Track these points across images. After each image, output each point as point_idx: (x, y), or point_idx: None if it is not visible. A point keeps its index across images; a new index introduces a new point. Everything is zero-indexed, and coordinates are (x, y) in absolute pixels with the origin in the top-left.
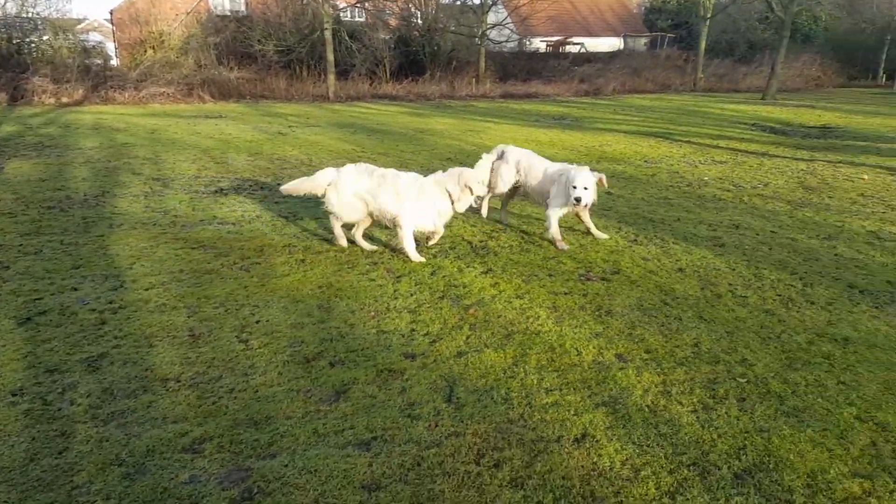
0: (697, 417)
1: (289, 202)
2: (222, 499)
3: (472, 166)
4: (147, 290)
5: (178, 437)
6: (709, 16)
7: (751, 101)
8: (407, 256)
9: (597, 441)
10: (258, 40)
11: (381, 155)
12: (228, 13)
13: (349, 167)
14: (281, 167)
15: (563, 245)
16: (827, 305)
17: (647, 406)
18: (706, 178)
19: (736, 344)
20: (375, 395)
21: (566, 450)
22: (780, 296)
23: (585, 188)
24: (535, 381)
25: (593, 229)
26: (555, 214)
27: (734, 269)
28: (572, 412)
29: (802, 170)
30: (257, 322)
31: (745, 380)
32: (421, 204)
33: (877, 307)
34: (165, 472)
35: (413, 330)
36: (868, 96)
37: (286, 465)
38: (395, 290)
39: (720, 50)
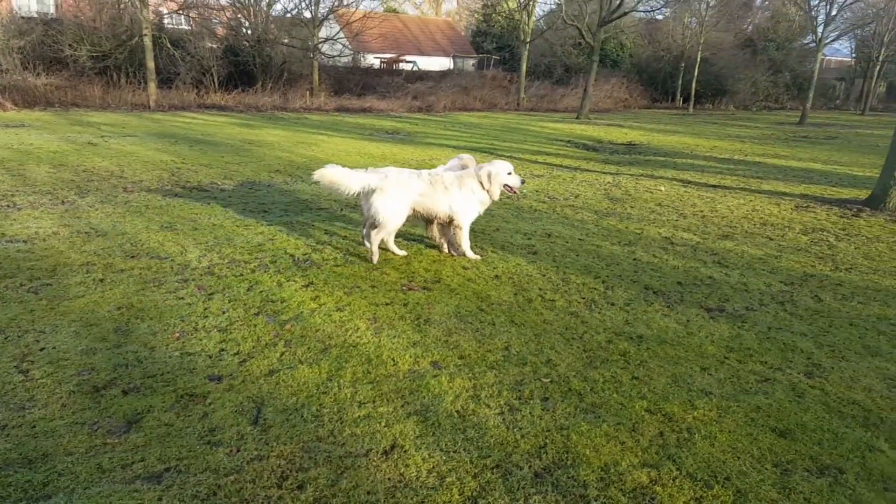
0: (503, 419)
1: (96, 216)
2: None
3: (301, 178)
4: None
5: None
6: (528, 40)
7: (567, 120)
8: (463, 254)
9: (405, 451)
10: (69, 45)
11: (204, 167)
12: (35, 15)
13: (391, 170)
14: (87, 179)
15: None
16: (625, 306)
17: (457, 411)
18: (525, 191)
19: (542, 346)
20: (172, 423)
21: (374, 463)
22: (584, 298)
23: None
24: (349, 395)
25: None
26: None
27: (545, 275)
28: (383, 423)
29: (609, 182)
30: (42, 350)
31: (549, 379)
32: (468, 197)
33: (668, 306)
34: None
35: (222, 350)
36: (667, 116)
37: None
38: (205, 309)
39: (540, 72)
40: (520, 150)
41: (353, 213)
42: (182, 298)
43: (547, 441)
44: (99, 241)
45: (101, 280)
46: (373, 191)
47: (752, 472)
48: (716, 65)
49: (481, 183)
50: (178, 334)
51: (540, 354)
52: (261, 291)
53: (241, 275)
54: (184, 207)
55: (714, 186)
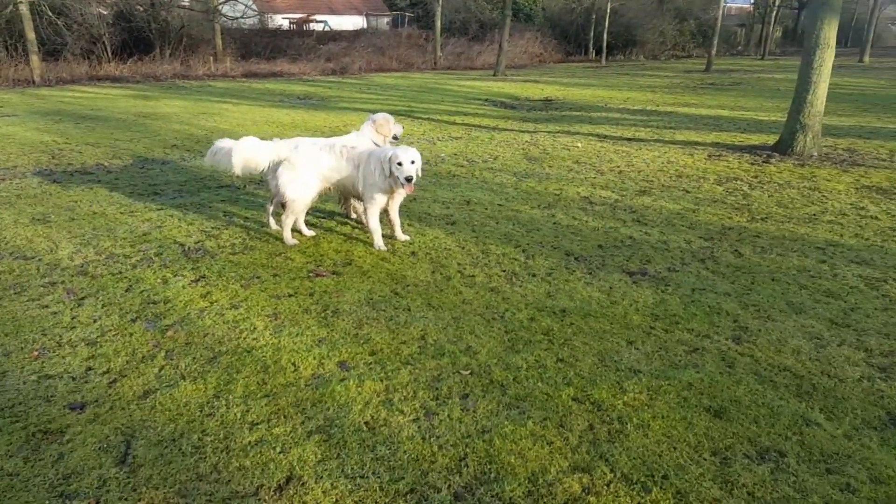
0: (419, 427)
1: None
2: None
3: (201, 153)
4: None
5: None
6: None
7: (484, 78)
8: (371, 239)
9: (303, 484)
10: None
11: (90, 146)
12: None
13: (303, 141)
14: None
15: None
16: (547, 276)
17: (366, 424)
18: (443, 155)
19: (462, 331)
20: (18, 472)
21: (265, 503)
22: (504, 271)
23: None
24: (239, 415)
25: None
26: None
27: (464, 248)
28: (278, 449)
29: (527, 141)
30: None
31: (469, 371)
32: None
33: (590, 272)
34: None
35: (89, 369)
36: (581, 70)
37: None
38: (73, 318)
39: (455, 29)
40: (437, 112)
41: (258, 190)
42: (46, 307)
43: (468, 451)
44: None
45: None
46: (279, 163)
47: (690, 465)
48: (625, 16)
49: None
50: (36, 353)
51: (459, 342)
52: (141, 291)
53: (120, 272)
54: (62, 195)
55: (629, 140)
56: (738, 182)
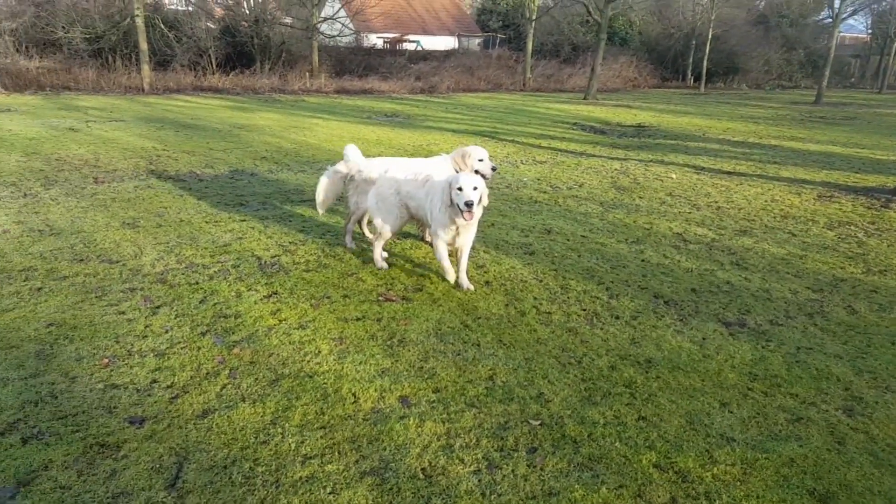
0: (479, 481)
1: (56, 211)
2: None
3: (288, 166)
4: None
5: None
6: (534, 17)
7: (574, 101)
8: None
9: None
10: (62, 27)
11: (186, 154)
12: None
13: (393, 165)
14: (58, 169)
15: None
16: (632, 320)
17: (423, 470)
18: (525, 179)
19: (534, 374)
20: (71, 486)
21: None
22: (584, 310)
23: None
24: (294, 446)
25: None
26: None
27: (541, 281)
28: (329, 490)
29: (616, 169)
30: None
31: (539, 421)
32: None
33: (681, 320)
34: None
35: (153, 382)
36: (678, 96)
37: None
38: (146, 327)
39: (547, 51)
40: (523, 134)
41: (338, 207)
42: (123, 313)
43: None
44: (49, 242)
45: (39, 289)
46: (365, 181)
47: None
48: (727, 42)
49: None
50: (106, 360)
51: (530, 386)
52: (214, 304)
53: (197, 283)
54: (153, 200)
55: (729, 173)
56: (852, 227)
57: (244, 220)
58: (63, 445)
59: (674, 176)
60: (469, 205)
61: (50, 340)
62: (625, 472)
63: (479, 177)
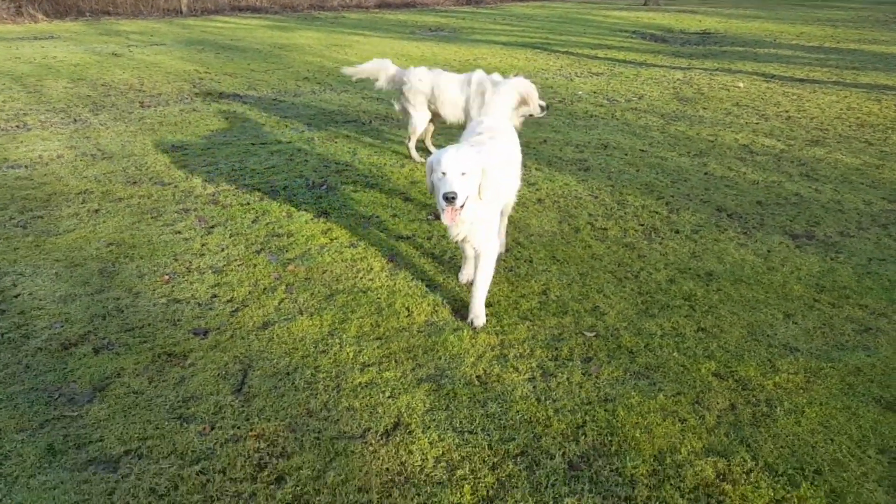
0: (534, 388)
1: (106, 136)
2: None
3: (331, 86)
4: None
5: None
6: None
7: (633, 8)
8: None
9: (410, 432)
10: None
11: (228, 76)
12: None
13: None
14: (104, 94)
15: None
16: (692, 234)
17: (478, 378)
18: (580, 93)
19: (588, 289)
20: (143, 391)
21: (371, 448)
22: (642, 225)
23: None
24: (352, 355)
25: None
26: None
27: (597, 197)
28: (388, 394)
29: (679, 79)
30: (16, 296)
31: (594, 333)
32: None
33: (745, 233)
34: None
35: (214, 297)
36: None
37: None
38: (202, 245)
39: None
40: (577, 45)
41: (383, 126)
42: (179, 233)
43: (587, 418)
44: (103, 165)
45: (97, 211)
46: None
47: (850, 461)
48: None
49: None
50: (167, 277)
51: (584, 300)
52: (267, 223)
53: (248, 203)
54: (199, 123)
55: (801, 81)
56: None
57: (290, 142)
58: (132, 355)
59: (741, 85)
60: (451, 199)
61: (111, 259)
62: (683, 380)
63: (474, 153)
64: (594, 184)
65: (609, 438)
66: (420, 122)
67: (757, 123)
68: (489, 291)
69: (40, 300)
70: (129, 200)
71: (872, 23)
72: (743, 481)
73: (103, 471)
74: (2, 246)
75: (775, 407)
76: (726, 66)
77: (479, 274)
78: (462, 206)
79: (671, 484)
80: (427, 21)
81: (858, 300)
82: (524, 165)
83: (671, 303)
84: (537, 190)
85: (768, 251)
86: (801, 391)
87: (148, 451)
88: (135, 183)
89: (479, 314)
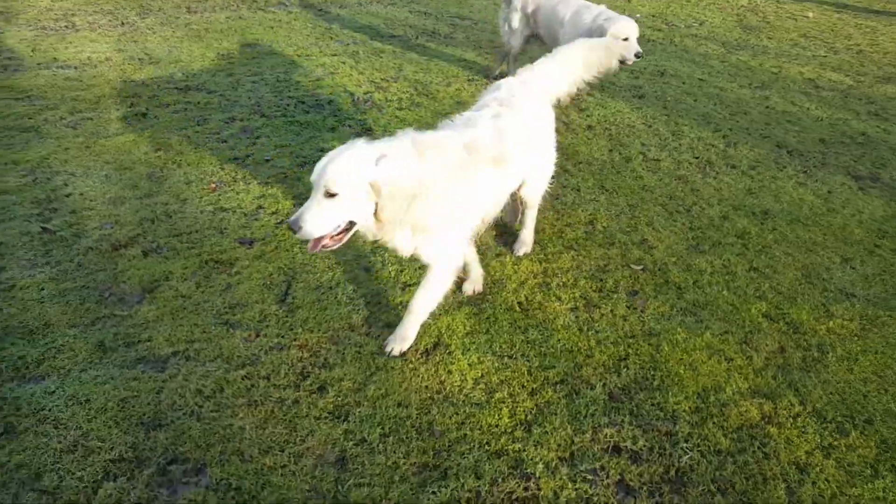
0: (577, 318)
1: (153, 40)
2: None
3: (380, 1)
4: None
5: None
6: None
7: None
8: None
9: (450, 352)
10: None
11: None
12: None
13: None
14: None
15: None
16: (749, 170)
17: (519, 304)
18: (638, 16)
19: (637, 221)
20: (191, 295)
21: (411, 365)
22: (697, 158)
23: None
24: (393, 274)
25: None
26: None
27: (651, 126)
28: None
29: (743, 6)
30: (68, 196)
31: (641, 267)
32: None
33: (805, 171)
34: None
35: (259, 208)
36: None
37: (52, 393)
38: (248, 156)
39: None
40: None
41: (429, 43)
42: (225, 141)
43: (630, 351)
44: (150, 70)
45: (144, 115)
46: None
47: None
48: None
49: None
50: (214, 185)
51: (633, 232)
52: (310, 137)
53: (293, 116)
54: (245, 32)
55: (877, 12)
56: None
57: (335, 55)
58: (180, 260)
59: (810, 14)
60: (292, 229)
61: (159, 164)
62: (731, 319)
63: (365, 161)
64: (648, 112)
65: (652, 373)
66: (515, 42)
67: (825, 56)
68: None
69: (91, 201)
70: (176, 106)
71: None
72: (789, 425)
73: (151, 370)
74: (53, 145)
75: (827, 353)
76: None
77: (420, 293)
78: (345, 232)
79: (714, 422)
80: None
81: None
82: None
83: (723, 240)
84: (588, 116)
85: (829, 192)
86: (856, 338)
87: (195, 353)
88: (181, 90)
89: (404, 337)
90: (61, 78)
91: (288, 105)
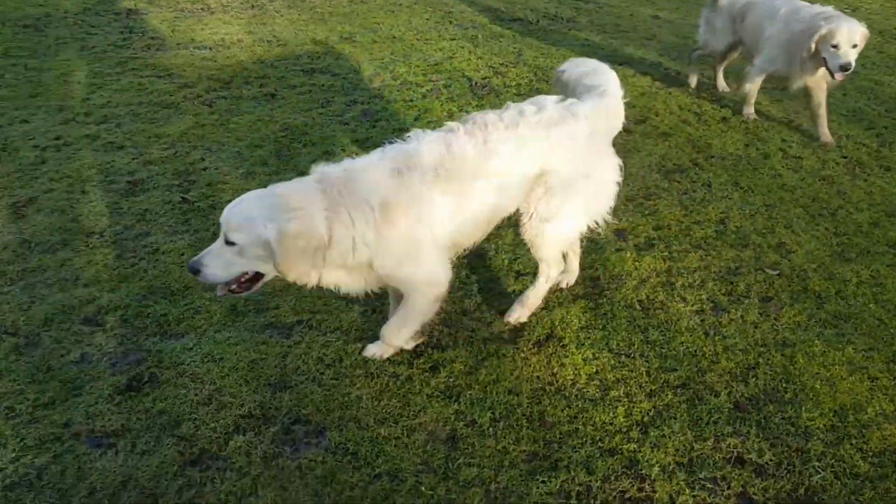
0: (702, 321)
1: (281, 23)
2: (107, 385)
3: None
4: (98, 124)
5: (83, 304)
6: None
7: None
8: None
9: (563, 345)
10: None
11: None
12: None
13: None
14: None
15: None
16: (821, 132)
17: (640, 302)
18: None
19: (774, 222)
20: None
21: (523, 355)
22: (846, 157)
23: (854, 46)
24: (506, 262)
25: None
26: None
27: (792, 121)
28: (542, 305)
29: None
30: (204, 169)
31: (777, 272)
32: None
33: None
34: (58, 348)
35: None
36: None
37: (189, 349)
38: (367, 138)
39: None
40: None
41: (551, 27)
42: (347, 124)
43: (760, 360)
44: (278, 52)
45: (272, 95)
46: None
47: None
48: None
49: None
50: None
51: (769, 234)
52: (428, 122)
53: (411, 100)
54: (367, 15)
55: None
56: None
57: (454, 39)
58: None
59: None
60: (192, 271)
61: (286, 143)
62: (877, 334)
63: (271, 209)
64: (790, 105)
65: (784, 385)
66: (717, 45)
67: None
68: (661, 214)
69: (225, 175)
70: (302, 88)
71: None
72: None
73: (278, 335)
74: (191, 121)
75: None
76: None
77: (392, 321)
78: (253, 281)
79: (852, 443)
80: None
81: None
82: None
83: (872, 248)
84: (723, 107)
85: None
86: None
87: (317, 323)
88: (306, 72)
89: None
90: (198, 58)
91: (407, 89)
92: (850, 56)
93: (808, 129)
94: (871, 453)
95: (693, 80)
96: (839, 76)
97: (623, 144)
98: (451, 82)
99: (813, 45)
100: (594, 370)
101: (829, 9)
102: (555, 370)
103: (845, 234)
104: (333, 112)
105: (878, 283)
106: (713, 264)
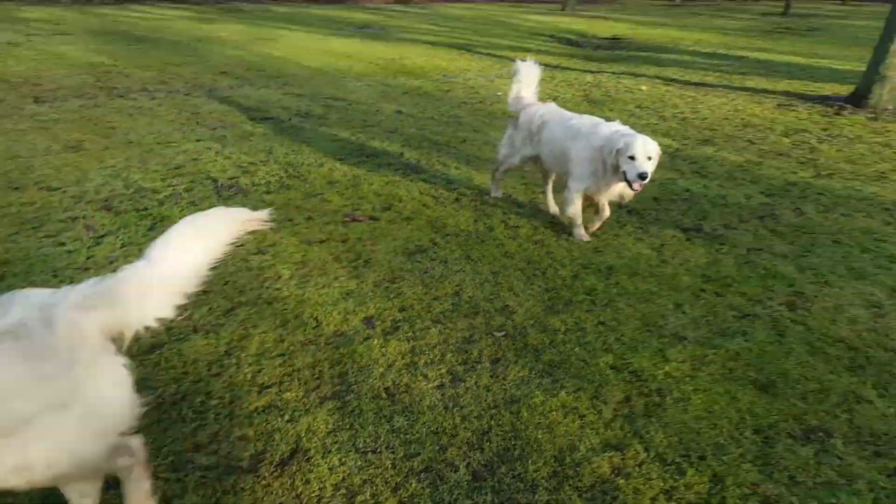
0: (443, 395)
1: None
2: None
3: (250, 81)
4: None
5: None
6: None
7: (553, 13)
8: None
9: (308, 459)
10: None
11: (139, 69)
12: None
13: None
14: None
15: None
16: (596, 230)
17: (386, 390)
18: (500, 94)
19: (499, 287)
20: None
21: (264, 482)
22: (551, 223)
23: (649, 158)
24: (249, 376)
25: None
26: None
27: (510, 196)
28: (287, 418)
29: (589, 82)
30: None
31: (503, 333)
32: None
33: (642, 227)
34: None
35: None
36: (655, 8)
37: None
38: (88, 258)
39: None
40: (498, 47)
41: (302, 124)
42: (63, 244)
43: (492, 423)
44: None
45: None
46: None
47: (730, 444)
48: None
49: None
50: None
51: (495, 299)
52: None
53: (146, 209)
54: (100, 121)
55: (696, 84)
56: (807, 134)
57: (200, 140)
58: None
59: (644, 88)
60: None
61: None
62: (583, 375)
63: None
64: (509, 183)
65: (513, 443)
66: (513, 162)
67: (656, 124)
68: (404, 295)
69: None
70: (8, 209)
71: (758, 32)
72: (636, 474)
73: None
74: None
75: (665, 396)
76: (632, 69)
77: None
78: None
79: (570, 484)
80: (355, 18)
81: (738, 288)
82: (445, 164)
83: (574, 298)
84: (455, 189)
85: (661, 245)
86: (688, 379)
87: None
88: (17, 189)
89: None
90: None
91: (141, 197)
92: (647, 167)
93: (524, 201)
94: (584, 489)
95: (498, 193)
96: (637, 185)
97: (371, 231)
98: (195, 185)
99: (614, 159)
100: (340, 478)
101: (626, 127)
102: (299, 490)
103: (554, 289)
104: (47, 233)
105: (580, 328)
106: (451, 336)
